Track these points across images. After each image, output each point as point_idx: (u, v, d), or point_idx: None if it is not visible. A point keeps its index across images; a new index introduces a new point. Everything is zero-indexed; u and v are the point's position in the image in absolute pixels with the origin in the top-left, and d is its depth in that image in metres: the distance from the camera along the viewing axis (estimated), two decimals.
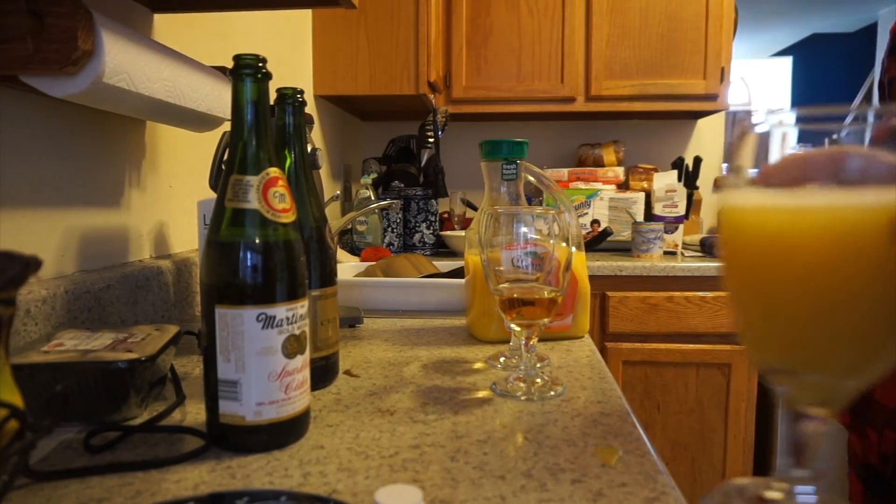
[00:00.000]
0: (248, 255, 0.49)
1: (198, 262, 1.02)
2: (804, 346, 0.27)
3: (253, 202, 0.49)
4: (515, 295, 0.64)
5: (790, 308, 0.27)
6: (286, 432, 0.51)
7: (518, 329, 0.65)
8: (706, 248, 2.01)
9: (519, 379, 0.66)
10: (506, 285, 0.65)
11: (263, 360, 0.49)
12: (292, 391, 0.50)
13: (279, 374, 0.49)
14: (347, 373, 0.71)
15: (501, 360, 0.76)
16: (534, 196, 2.11)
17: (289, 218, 0.51)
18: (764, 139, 0.27)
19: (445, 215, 2.38)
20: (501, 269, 0.65)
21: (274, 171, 0.51)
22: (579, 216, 2.16)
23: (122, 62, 0.66)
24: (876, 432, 0.79)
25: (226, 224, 0.50)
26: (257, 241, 0.49)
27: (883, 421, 0.78)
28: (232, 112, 0.51)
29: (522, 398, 0.62)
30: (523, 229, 0.64)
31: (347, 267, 1.28)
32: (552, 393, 0.63)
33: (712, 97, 2.21)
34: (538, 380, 0.65)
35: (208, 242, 0.51)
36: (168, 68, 0.77)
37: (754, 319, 0.29)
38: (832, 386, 0.27)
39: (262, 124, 0.51)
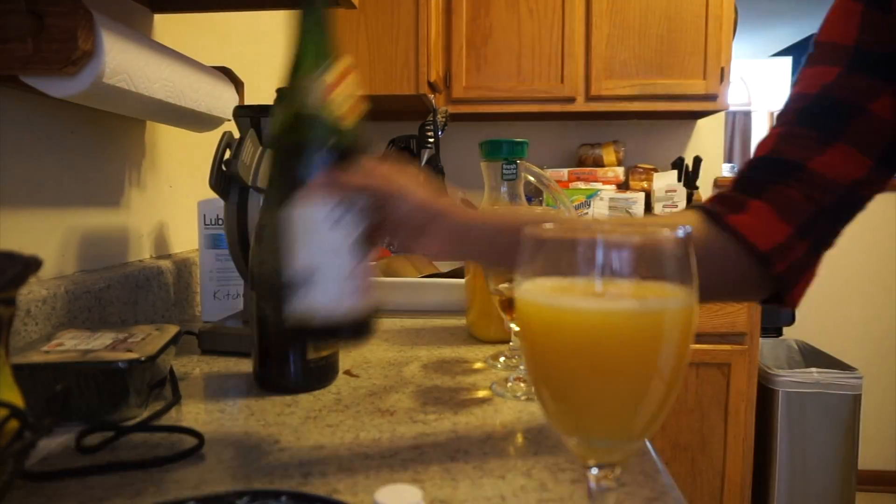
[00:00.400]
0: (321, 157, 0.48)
1: (198, 262, 1.02)
2: (572, 415, 0.33)
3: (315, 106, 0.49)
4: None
5: (556, 382, 0.33)
6: (357, 329, 0.50)
7: (518, 329, 0.65)
8: None
9: (519, 379, 0.66)
10: (506, 285, 0.65)
11: (336, 256, 0.48)
12: (360, 288, 0.49)
13: (351, 271, 0.48)
14: (347, 373, 0.71)
15: (501, 360, 0.76)
16: (534, 196, 2.11)
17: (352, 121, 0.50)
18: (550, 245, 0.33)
19: None
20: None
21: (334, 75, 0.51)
22: (579, 216, 2.16)
23: (122, 62, 0.66)
24: None
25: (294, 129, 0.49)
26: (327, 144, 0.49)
27: None
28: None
29: (522, 398, 0.62)
30: None
31: None
32: None
33: (712, 97, 2.21)
34: None
35: (276, 149, 0.50)
36: (168, 68, 0.77)
37: (537, 385, 0.35)
38: (603, 447, 0.33)
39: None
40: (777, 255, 0.53)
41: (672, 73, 2.21)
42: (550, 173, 2.27)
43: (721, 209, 0.55)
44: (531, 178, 0.87)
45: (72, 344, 0.57)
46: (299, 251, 0.48)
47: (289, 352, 0.63)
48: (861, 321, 2.58)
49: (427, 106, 2.07)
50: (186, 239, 1.09)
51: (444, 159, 2.65)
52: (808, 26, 6.41)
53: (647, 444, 0.51)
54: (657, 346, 0.31)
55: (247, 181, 0.76)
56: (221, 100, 0.92)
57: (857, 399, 1.99)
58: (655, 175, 2.15)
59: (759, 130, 7.03)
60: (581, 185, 2.21)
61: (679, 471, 1.91)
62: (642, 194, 2.15)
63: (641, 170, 2.26)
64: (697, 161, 2.31)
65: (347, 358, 0.77)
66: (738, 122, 6.88)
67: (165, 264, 0.95)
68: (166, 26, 1.00)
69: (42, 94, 0.65)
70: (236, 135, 0.79)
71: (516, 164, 0.82)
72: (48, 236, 0.76)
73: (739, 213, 0.54)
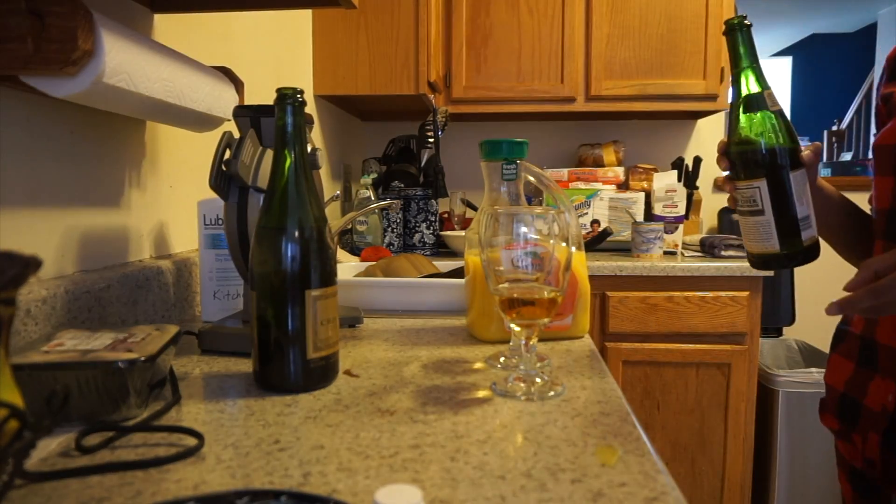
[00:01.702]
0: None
1: (198, 262, 1.02)
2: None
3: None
4: (515, 295, 0.64)
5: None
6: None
7: (518, 329, 0.65)
8: (706, 248, 2.01)
9: (519, 379, 0.66)
10: (506, 285, 0.65)
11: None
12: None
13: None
14: (347, 373, 0.71)
15: (501, 360, 0.76)
16: (534, 196, 2.11)
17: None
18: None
19: (445, 215, 2.38)
20: (501, 269, 0.65)
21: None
22: (579, 216, 2.16)
23: (122, 62, 0.66)
24: (860, 437, 0.79)
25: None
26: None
27: (868, 425, 0.78)
28: None
29: (522, 398, 0.62)
30: (523, 229, 0.64)
31: (347, 267, 1.28)
32: (552, 393, 0.63)
33: (712, 97, 2.21)
34: (538, 380, 0.65)
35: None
36: (168, 68, 0.77)
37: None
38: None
39: None
40: None
41: (672, 72, 2.21)
42: (550, 173, 2.27)
43: None
44: (531, 178, 0.87)
45: (72, 344, 0.57)
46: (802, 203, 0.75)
47: (289, 352, 0.63)
48: None
49: (427, 106, 2.07)
50: (186, 239, 1.10)
51: (444, 159, 2.65)
52: (808, 26, 6.41)
53: (647, 444, 0.51)
54: None
55: (247, 181, 0.76)
56: (221, 100, 0.92)
57: None
58: (655, 175, 2.15)
59: None
60: (581, 185, 2.21)
61: (679, 471, 1.91)
62: (642, 194, 2.15)
63: (641, 170, 2.26)
64: (697, 161, 2.31)
65: (347, 358, 0.77)
66: None
67: (165, 264, 0.95)
68: (166, 26, 1.00)
69: (42, 94, 0.65)
70: (236, 135, 0.79)
71: (516, 164, 0.82)
72: (48, 236, 0.76)
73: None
